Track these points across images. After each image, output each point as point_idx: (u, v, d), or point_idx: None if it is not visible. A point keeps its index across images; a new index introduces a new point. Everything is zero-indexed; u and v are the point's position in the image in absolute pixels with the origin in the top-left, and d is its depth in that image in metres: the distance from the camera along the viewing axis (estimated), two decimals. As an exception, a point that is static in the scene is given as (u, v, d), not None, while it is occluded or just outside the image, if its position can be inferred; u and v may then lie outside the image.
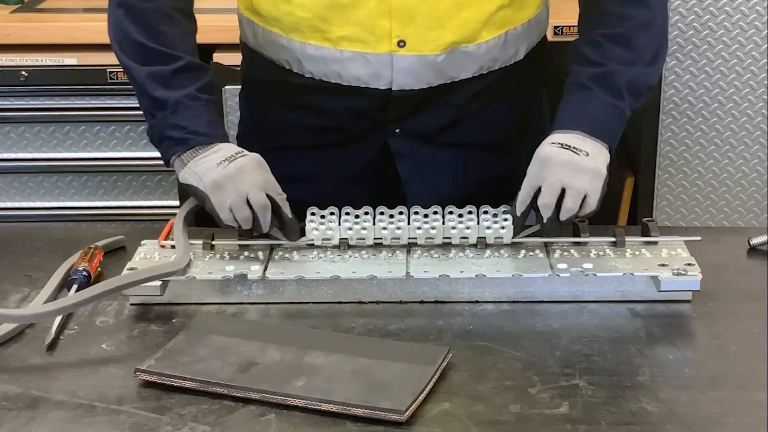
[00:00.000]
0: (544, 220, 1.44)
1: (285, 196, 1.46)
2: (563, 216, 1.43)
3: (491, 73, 1.57)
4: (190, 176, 1.46)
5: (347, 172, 1.63)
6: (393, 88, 1.53)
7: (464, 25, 1.50)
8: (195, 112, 1.49)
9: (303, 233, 1.47)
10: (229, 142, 1.50)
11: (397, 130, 1.59)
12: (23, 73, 2.59)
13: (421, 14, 1.48)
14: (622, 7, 1.52)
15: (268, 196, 1.44)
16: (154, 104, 1.50)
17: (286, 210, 1.46)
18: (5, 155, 2.70)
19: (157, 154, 2.88)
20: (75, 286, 1.41)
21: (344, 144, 1.61)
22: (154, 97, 1.50)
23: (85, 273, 1.44)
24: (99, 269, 1.48)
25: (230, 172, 1.44)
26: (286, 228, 1.46)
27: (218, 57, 2.57)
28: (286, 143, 1.64)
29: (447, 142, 1.61)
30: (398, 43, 1.49)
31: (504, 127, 1.63)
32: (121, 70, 2.55)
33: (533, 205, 1.45)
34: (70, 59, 2.60)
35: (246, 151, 1.47)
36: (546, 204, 1.43)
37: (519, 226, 1.47)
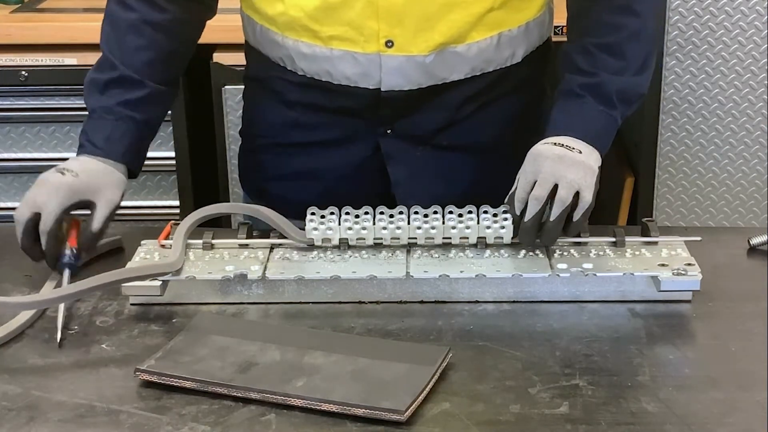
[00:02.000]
0: (526, 218, 1.43)
1: (50, 225, 1.45)
2: (556, 208, 1.42)
3: (485, 75, 1.56)
4: None
5: (339, 172, 1.63)
6: (382, 89, 1.53)
7: (453, 26, 1.50)
8: (101, 124, 1.54)
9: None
10: (124, 162, 1.54)
11: (389, 131, 1.59)
12: (23, 73, 2.59)
13: (409, 15, 1.48)
14: (613, 16, 1.53)
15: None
16: (87, 107, 1.58)
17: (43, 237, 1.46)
18: (5, 155, 2.70)
19: (157, 154, 2.89)
20: (67, 271, 1.44)
21: (336, 143, 1.61)
22: (85, 101, 1.57)
23: (70, 252, 1.45)
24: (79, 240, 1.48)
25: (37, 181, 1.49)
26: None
27: (218, 57, 2.57)
28: (280, 140, 1.65)
29: (441, 144, 1.61)
30: (386, 43, 1.50)
31: (500, 130, 1.63)
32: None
33: None
34: (70, 59, 2.60)
35: (70, 170, 1.49)
36: (536, 197, 1.42)
37: (518, 225, 1.46)
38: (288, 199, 1.56)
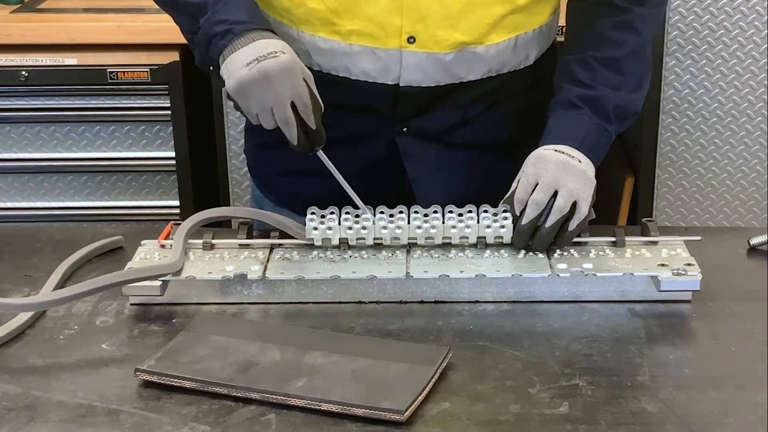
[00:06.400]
0: (523, 222, 1.44)
1: (311, 106, 1.43)
2: (552, 215, 1.43)
3: (500, 76, 1.57)
4: (224, 73, 1.44)
5: (355, 169, 1.62)
6: (401, 84, 1.53)
7: (474, 26, 1.51)
8: (235, 4, 1.46)
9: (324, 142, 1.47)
10: (270, 30, 1.46)
11: (405, 129, 1.59)
12: (23, 73, 2.59)
13: (432, 13, 1.48)
14: (614, 31, 1.54)
15: (293, 106, 1.42)
16: (197, 11, 1.47)
17: (310, 122, 1.44)
18: (5, 155, 2.70)
19: (157, 154, 2.87)
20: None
21: (352, 140, 1.61)
22: (195, 4, 1.47)
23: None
24: None
25: (254, 77, 1.40)
26: (310, 138, 1.45)
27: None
28: None
29: (454, 142, 1.61)
30: (408, 39, 1.50)
31: (511, 129, 1.63)
32: (122, 70, 2.58)
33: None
34: (70, 59, 2.59)
35: (280, 49, 1.42)
36: (536, 201, 1.43)
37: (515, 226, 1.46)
38: (300, 196, 1.54)
